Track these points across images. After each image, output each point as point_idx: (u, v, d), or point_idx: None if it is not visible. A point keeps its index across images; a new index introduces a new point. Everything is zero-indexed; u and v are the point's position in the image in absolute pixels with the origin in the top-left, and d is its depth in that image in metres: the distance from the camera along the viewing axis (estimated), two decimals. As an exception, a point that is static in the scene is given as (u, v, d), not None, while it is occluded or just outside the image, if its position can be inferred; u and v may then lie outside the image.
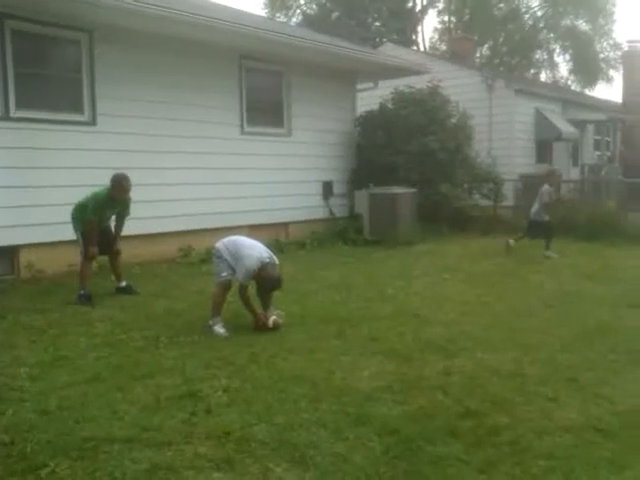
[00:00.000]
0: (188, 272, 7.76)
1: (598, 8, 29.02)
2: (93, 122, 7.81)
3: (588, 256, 9.05)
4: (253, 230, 8.25)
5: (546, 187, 9.09)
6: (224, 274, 5.04)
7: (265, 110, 10.19)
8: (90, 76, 7.78)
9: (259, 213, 9.35)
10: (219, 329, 4.97)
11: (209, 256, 7.54)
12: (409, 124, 11.25)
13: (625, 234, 10.38)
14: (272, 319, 5.07)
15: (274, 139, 10.16)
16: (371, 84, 12.45)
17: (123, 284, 6.64)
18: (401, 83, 11.97)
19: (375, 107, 11.94)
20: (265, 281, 5.00)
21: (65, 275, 7.16)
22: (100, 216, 6.32)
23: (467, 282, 7.28)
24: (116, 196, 6.21)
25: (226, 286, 5.10)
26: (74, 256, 6.56)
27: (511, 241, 9.25)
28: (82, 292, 6.19)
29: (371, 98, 12.22)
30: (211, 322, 5.03)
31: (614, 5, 29.93)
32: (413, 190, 10.60)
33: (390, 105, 11.86)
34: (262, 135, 9.95)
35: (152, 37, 8.20)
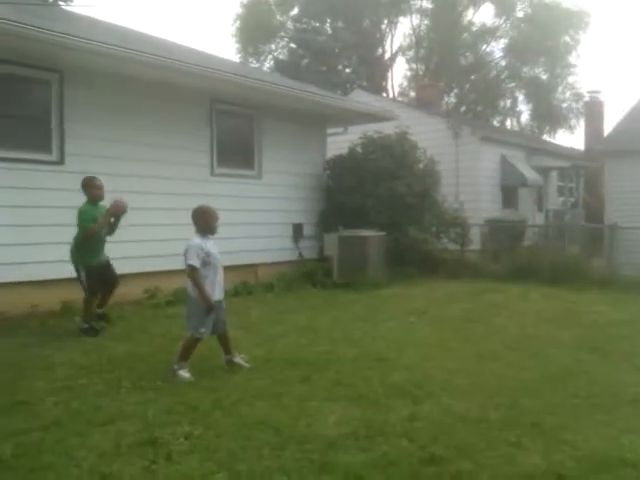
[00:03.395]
0: (153, 314, 7.65)
1: (556, 58, 30.29)
2: (61, 161, 7.77)
3: (551, 300, 9.21)
4: (223, 271, 8.17)
5: None
6: (203, 330, 5.00)
7: (236, 152, 10.29)
8: (59, 116, 7.77)
9: (228, 255, 9.19)
10: (184, 374, 4.90)
11: (176, 298, 7.49)
12: (378, 168, 11.45)
13: (587, 279, 10.62)
14: None
15: (245, 181, 10.24)
16: (341, 129, 12.71)
17: (101, 311, 6.65)
18: (370, 128, 12.23)
19: (345, 151, 12.15)
20: None
21: (27, 316, 6.99)
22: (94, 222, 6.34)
23: (433, 326, 7.33)
24: (94, 196, 6.31)
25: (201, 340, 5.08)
26: (37, 297, 6.44)
27: None
28: (86, 326, 6.25)
29: (341, 142, 12.43)
30: (176, 366, 4.95)
31: (577, 57, 31.33)
32: (382, 233, 10.72)
33: (359, 149, 12.08)
34: (232, 177, 10.01)
35: (123, 79, 8.26)
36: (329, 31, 30.40)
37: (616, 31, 57.05)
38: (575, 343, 6.49)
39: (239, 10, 31.11)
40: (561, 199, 19.12)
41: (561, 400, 4.61)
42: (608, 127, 19.29)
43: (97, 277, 6.46)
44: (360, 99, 15.69)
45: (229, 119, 10.16)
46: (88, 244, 6.40)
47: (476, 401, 4.50)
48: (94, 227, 6.26)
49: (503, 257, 11.86)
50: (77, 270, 6.38)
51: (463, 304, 8.75)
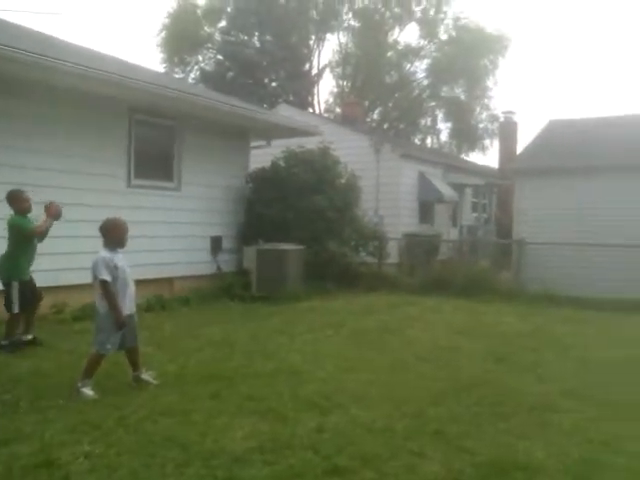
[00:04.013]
0: (59, 330, 7.31)
1: (475, 80, 31.68)
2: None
3: (463, 313, 9.57)
4: (136, 285, 7.97)
5: None
6: (109, 346, 4.86)
7: (155, 164, 10.09)
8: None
9: (142, 268, 9.03)
10: (87, 391, 4.73)
11: (84, 313, 7.23)
12: (300, 182, 11.56)
13: (497, 292, 11.12)
14: None
15: (163, 193, 10.04)
16: (264, 142, 12.74)
17: (30, 337, 6.35)
18: (294, 143, 12.34)
19: (268, 165, 12.18)
20: None
21: None
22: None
23: (349, 338, 7.44)
24: (23, 209, 6.17)
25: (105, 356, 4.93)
26: None
27: None
28: (6, 342, 6.04)
29: (265, 155, 12.46)
30: (80, 384, 4.78)
31: (495, 81, 32.81)
32: (301, 247, 10.80)
33: (282, 163, 12.16)
34: (150, 188, 9.81)
35: (42, 87, 7.93)
36: (257, 44, 30.50)
37: (531, 55, 60.46)
38: (483, 354, 6.77)
39: (165, 20, 30.66)
40: (475, 215, 19.94)
41: (465, 409, 4.79)
42: (521, 147, 20.35)
43: (30, 292, 6.29)
44: (285, 113, 15.82)
45: (149, 130, 9.96)
46: (24, 256, 6.24)
47: (384, 411, 4.61)
48: (41, 226, 6.11)
49: (419, 271, 12.23)
50: (7, 286, 6.15)
51: (379, 316, 8.94)
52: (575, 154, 14.00)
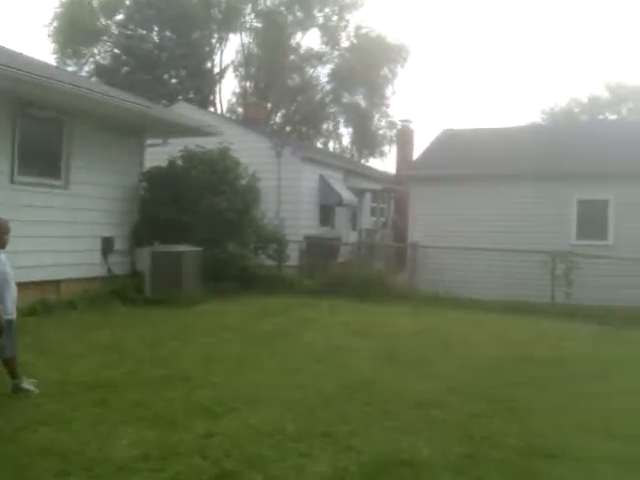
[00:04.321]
0: None
1: (375, 88, 32.58)
2: None
3: (358, 314, 9.81)
4: (19, 288, 7.51)
5: None
6: None
7: (42, 160, 9.52)
8: None
9: (27, 270, 8.55)
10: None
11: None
12: (199, 183, 11.35)
13: (391, 293, 11.49)
14: None
15: (49, 190, 9.50)
16: (160, 141, 12.39)
17: None
18: (193, 142, 12.10)
19: (165, 164, 11.87)
20: None
21: None
22: None
23: (246, 341, 7.41)
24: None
25: None
26: None
27: None
28: None
29: (163, 154, 12.12)
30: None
31: (393, 90, 33.83)
32: (199, 249, 10.60)
33: (180, 163, 11.89)
34: (36, 186, 9.24)
35: None
36: (156, 39, 29.63)
37: (430, 66, 63.17)
38: (374, 354, 6.97)
39: (57, 10, 29.08)
40: (373, 219, 20.49)
41: (356, 408, 4.92)
42: (417, 154, 21.13)
43: None
44: (185, 112, 15.46)
45: (36, 124, 9.36)
46: None
47: (275, 414, 4.63)
48: None
49: (318, 273, 12.39)
50: None
51: (276, 319, 8.97)
52: (465, 162, 14.76)
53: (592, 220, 13.11)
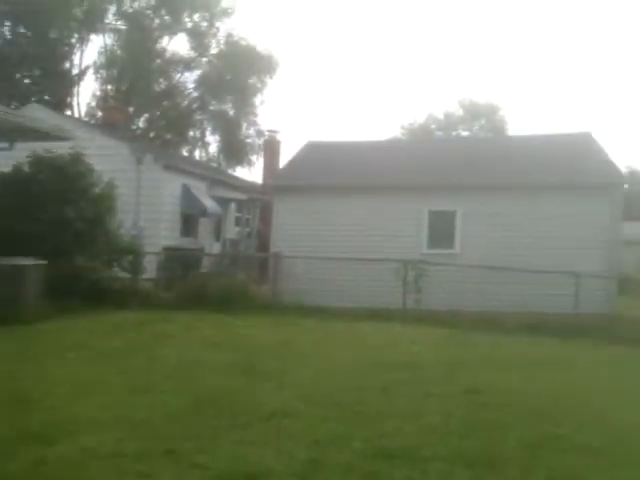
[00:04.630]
0: None
1: (243, 96, 32.52)
2: None
3: (217, 326, 9.68)
4: None
5: None
6: None
7: None
8: None
9: None
10: None
11: None
12: (46, 190, 10.67)
13: (253, 304, 11.47)
14: None
15: None
16: (6, 144, 11.45)
17: None
18: (45, 147, 11.31)
19: (9, 169, 11.00)
20: None
21: None
22: None
23: (91, 360, 7.01)
24: None
25: None
26: None
27: None
28: None
29: (8, 159, 11.19)
30: None
31: (262, 100, 33.81)
32: (43, 262, 9.85)
33: (27, 169, 11.08)
34: None
35: None
36: (8, 36, 27.43)
37: (297, 78, 64.38)
38: (230, 367, 6.89)
39: None
40: (238, 229, 20.37)
41: (203, 423, 4.81)
42: (283, 164, 21.35)
43: None
44: (37, 114, 14.46)
45: None
46: None
47: (116, 435, 4.41)
48: None
49: (177, 286, 12.05)
50: None
51: (128, 335, 8.59)
52: (327, 174, 15.17)
53: (441, 230, 13.97)
